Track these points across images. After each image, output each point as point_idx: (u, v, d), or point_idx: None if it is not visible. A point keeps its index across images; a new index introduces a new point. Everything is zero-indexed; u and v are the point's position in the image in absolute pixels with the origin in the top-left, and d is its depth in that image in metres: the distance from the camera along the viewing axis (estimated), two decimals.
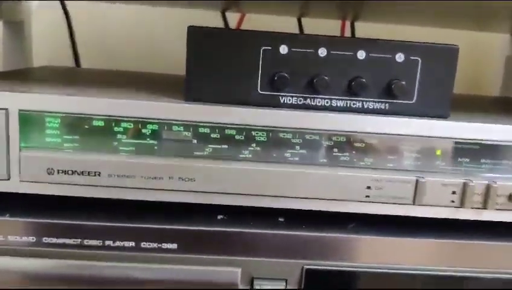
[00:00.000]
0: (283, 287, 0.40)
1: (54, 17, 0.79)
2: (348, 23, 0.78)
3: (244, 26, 0.74)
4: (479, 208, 0.40)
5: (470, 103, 0.57)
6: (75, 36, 0.78)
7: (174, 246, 0.39)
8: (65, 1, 0.75)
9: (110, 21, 0.85)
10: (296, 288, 0.40)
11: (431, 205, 0.40)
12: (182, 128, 0.39)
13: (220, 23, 0.78)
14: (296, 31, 0.80)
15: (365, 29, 0.77)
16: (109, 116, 0.39)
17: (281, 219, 0.42)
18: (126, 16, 0.84)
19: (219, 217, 0.41)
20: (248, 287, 0.40)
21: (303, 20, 0.81)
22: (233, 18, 0.77)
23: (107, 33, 0.85)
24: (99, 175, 0.39)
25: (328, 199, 0.40)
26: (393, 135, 0.40)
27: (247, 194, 0.40)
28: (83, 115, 0.39)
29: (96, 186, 0.39)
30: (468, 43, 0.84)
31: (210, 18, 0.77)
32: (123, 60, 0.86)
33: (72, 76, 0.59)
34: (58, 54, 0.82)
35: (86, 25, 0.82)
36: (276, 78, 0.39)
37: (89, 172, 0.39)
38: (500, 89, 0.81)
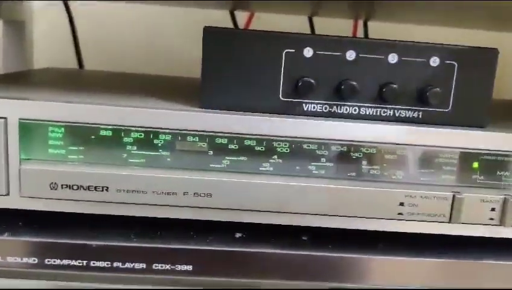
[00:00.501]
0: None
1: (56, 16, 0.76)
2: (360, 23, 0.75)
3: (252, 26, 0.71)
4: None
5: (500, 108, 0.54)
6: (77, 36, 0.75)
7: (189, 267, 0.36)
8: (68, 0, 0.72)
9: (114, 21, 0.81)
10: None
11: (469, 223, 0.37)
12: (197, 138, 0.36)
13: (228, 23, 0.75)
14: (307, 30, 0.77)
15: (378, 29, 0.74)
16: (118, 125, 0.35)
17: (304, 238, 0.38)
18: (131, 16, 0.81)
19: (237, 235, 0.38)
20: None
21: (314, 19, 0.77)
22: (241, 17, 0.73)
23: (111, 33, 0.82)
24: (106, 190, 0.35)
25: (356, 217, 0.37)
26: (427, 146, 0.36)
27: (268, 211, 0.36)
28: (89, 124, 0.35)
29: (104, 202, 0.36)
30: (485, 44, 0.81)
31: (218, 18, 0.74)
32: (127, 61, 0.83)
33: (76, 79, 0.56)
34: (60, 55, 0.79)
35: (89, 25, 0.79)
36: (299, 83, 0.36)
37: (95, 187, 0.35)
38: None
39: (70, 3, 0.72)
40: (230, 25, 0.75)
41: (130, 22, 0.82)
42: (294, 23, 0.74)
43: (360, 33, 0.74)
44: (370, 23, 0.74)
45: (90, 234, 0.36)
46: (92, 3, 0.76)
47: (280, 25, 0.70)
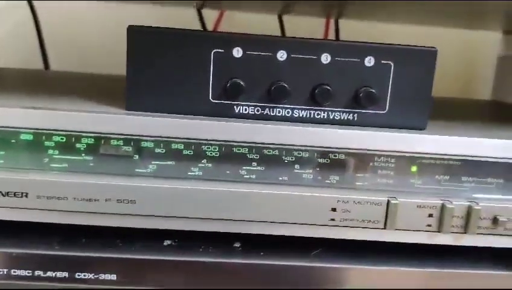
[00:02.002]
0: None
1: (21, 15, 0.74)
2: (332, 22, 0.74)
3: (223, 25, 0.69)
4: (459, 233, 0.35)
5: (454, 108, 0.53)
6: (43, 36, 0.74)
7: (113, 277, 0.34)
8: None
9: (81, 20, 0.80)
10: None
11: (405, 230, 0.35)
12: (121, 142, 0.34)
13: (197, 22, 0.74)
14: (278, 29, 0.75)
15: (351, 27, 0.72)
16: (38, 129, 0.34)
17: (236, 245, 0.37)
18: (97, 15, 0.79)
19: (166, 243, 0.36)
20: None
21: (286, 18, 0.76)
22: (211, 17, 0.72)
23: (78, 32, 0.81)
24: (26, 196, 0.34)
25: (288, 223, 0.35)
26: (362, 149, 0.35)
27: (198, 218, 0.35)
28: (8, 128, 0.34)
29: (23, 209, 0.34)
30: (458, 42, 0.80)
31: (187, 17, 0.73)
32: (96, 60, 0.81)
33: (22, 80, 0.54)
34: (27, 55, 0.77)
35: (56, 24, 0.77)
36: (229, 84, 0.35)
37: (14, 193, 0.34)
38: (491, 90, 0.76)
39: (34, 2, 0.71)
40: (198, 25, 0.73)
41: (97, 21, 0.80)
42: (266, 21, 0.72)
43: (332, 32, 0.73)
44: (344, 22, 0.73)
45: (9, 241, 0.35)
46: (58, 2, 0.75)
47: (252, 25, 0.69)
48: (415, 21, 0.67)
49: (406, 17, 0.62)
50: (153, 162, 0.35)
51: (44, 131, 0.34)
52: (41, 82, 0.54)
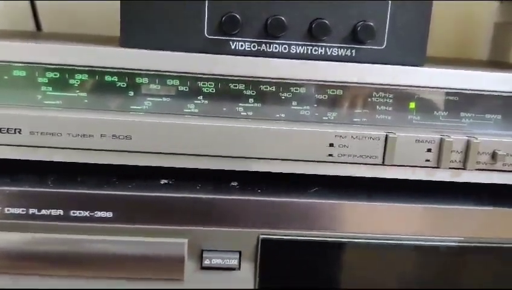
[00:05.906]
0: (236, 260, 0.35)
1: None
2: None
3: None
4: (457, 168, 0.35)
5: (452, 61, 0.52)
6: None
7: (109, 214, 0.34)
8: None
9: None
10: (252, 260, 0.35)
11: (403, 165, 0.35)
12: (116, 77, 0.34)
13: None
14: None
15: None
16: (31, 63, 0.33)
17: (233, 184, 0.36)
18: None
19: (162, 181, 0.36)
20: (196, 261, 0.35)
21: None
22: None
23: None
24: (19, 132, 0.33)
25: (286, 160, 0.35)
26: (360, 84, 0.34)
27: (194, 155, 0.35)
28: (1, 63, 0.33)
29: (17, 145, 0.34)
30: (456, 10, 0.79)
31: None
32: (90, 24, 0.79)
33: (15, 34, 0.53)
34: (19, 18, 0.76)
35: None
36: (224, 18, 0.34)
37: (7, 129, 0.33)
38: (488, 56, 0.76)
39: None
40: None
41: None
42: None
43: None
44: None
45: (3, 179, 0.34)
46: None
47: None
48: None
49: None
50: (148, 99, 0.34)
51: (38, 65, 0.33)
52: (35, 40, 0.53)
